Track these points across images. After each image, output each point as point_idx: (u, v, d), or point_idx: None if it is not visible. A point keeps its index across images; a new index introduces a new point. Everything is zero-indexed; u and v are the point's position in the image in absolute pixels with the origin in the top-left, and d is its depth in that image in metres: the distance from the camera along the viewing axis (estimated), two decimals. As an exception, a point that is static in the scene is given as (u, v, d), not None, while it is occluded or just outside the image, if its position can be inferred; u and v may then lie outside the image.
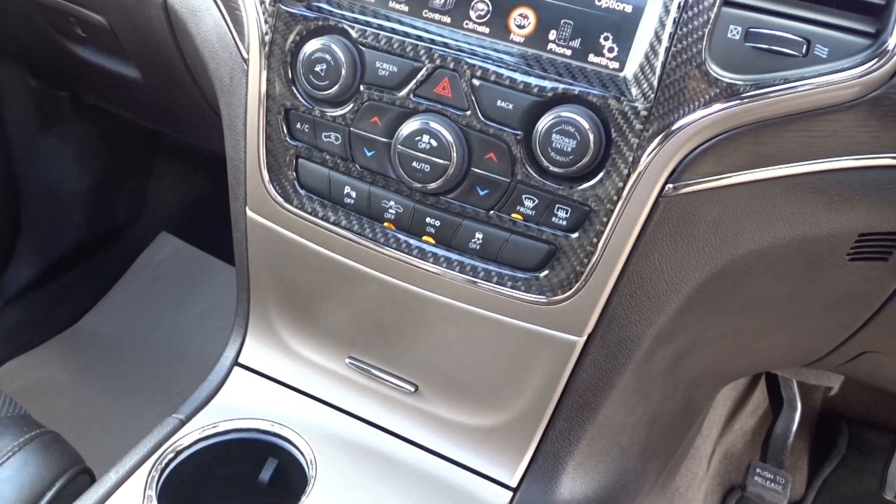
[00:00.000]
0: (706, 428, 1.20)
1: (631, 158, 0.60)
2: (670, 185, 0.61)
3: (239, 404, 0.80)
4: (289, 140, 0.72)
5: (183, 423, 0.77)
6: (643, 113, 0.59)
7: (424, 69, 0.64)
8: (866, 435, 1.55)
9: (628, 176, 0.61)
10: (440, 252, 0.69)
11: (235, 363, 0.84)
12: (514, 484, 0.76)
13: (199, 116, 1.17)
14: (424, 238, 0.69)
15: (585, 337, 0.68)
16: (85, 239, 1.81)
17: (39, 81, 1.57)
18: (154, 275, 1.89)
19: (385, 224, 0.70)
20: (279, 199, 0.74)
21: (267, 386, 0.82)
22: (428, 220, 0.68)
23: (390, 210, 0.69)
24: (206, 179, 1.92)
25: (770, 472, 1.24)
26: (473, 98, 0.64)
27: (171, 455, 0.73)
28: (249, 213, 0.77)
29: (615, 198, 0.62)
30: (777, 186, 0.62)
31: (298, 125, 0.71)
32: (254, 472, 0.78)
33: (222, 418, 0.78)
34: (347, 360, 0.80)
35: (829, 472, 1.51)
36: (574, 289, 0.66)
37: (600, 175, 0.62)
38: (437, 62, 0.64)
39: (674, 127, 0.59)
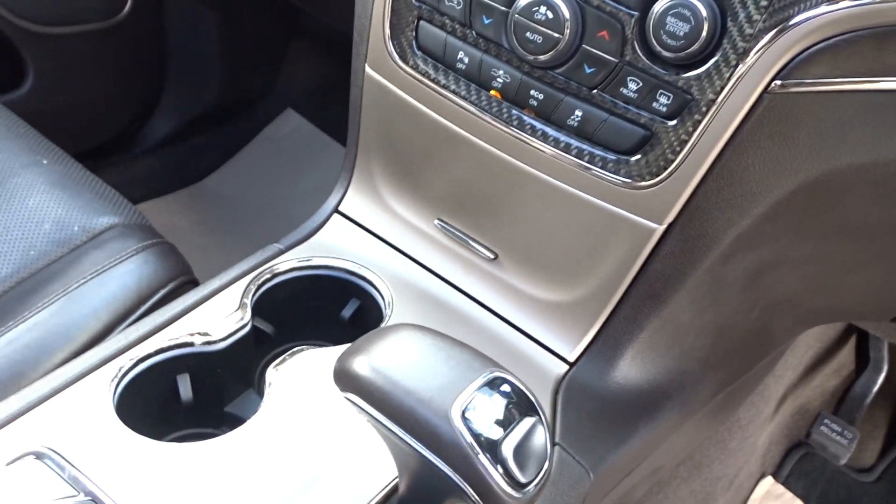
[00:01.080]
0: (780, 368, 1.18)
1: (742, 49, 0.60)
2: (778, 82, 0.60)
3: (333, 245, 0.87)
4: (414, 0, 0.75)
5: (282, 252, 0.85)
6: (763, 3, 0.58)
7: None
8: None
9: (736, 67, 0.60)
10: (538, 125, 0.71)
11: (336, 210, 0.90)
12: (572, 359, 0.79)
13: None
14: (526, 110, 0.72)
15: (665, 226, 0.69)
16: (219, 105, 1.93)
17: (193, -57, 1.66)
18: (276, 147, 2.01)
19: (491, 92, 0.73)
20: (396, 57, 0.78)
21: (361, 234, 0.88)
22: (532, 92, 0.71)
23: (498, 79, 0.72)
24: (335, 66, 1.98)
25: (839, 426, 1.21)
26: None
27: (269, 275, 0.81)
28: (368, 69, 0.82)
29: (719, 88, 0.62)
30: (892, 101, 0.60)
31: (424, -14, 0.74)
32: (337, 308, 0.85)
33: (317, 254, 0.85)
34: (436, 222, 0.85)
35: (906, 449, 1.46)
36: (662, 176, 0.67)
37: (708, 64, 0.62)
38: None
39: (793, 20, 0.58)
